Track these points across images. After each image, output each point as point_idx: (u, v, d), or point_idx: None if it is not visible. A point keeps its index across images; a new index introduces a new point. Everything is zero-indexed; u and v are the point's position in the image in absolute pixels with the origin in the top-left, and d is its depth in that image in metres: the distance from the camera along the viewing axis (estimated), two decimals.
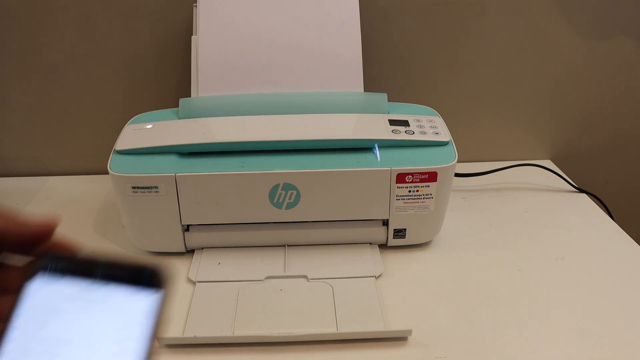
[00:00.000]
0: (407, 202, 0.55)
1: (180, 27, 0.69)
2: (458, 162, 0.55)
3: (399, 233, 0.58)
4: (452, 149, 0.56)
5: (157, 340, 0.25)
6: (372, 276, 0.54)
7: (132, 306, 0.26)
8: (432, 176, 0.54)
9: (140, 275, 0.26)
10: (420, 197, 0.55)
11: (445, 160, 0.54)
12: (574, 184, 0.72)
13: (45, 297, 0.27)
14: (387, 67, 0.72)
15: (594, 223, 0.65)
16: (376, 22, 0.69)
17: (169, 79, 0.71)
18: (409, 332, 0.47)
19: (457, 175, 0.68)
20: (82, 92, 0.72)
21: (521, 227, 0.64)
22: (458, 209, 0.67)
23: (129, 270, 0.27)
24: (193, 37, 0.62)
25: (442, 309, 0.51)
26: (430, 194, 0.55)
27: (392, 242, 0.58)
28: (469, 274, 0.56)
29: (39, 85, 0.71)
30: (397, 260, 0.58)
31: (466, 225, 0.64)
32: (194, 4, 0.64)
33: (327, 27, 0.62)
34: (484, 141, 0.78)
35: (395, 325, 0.49)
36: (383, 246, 0.59)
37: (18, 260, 0.27)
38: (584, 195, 0.71)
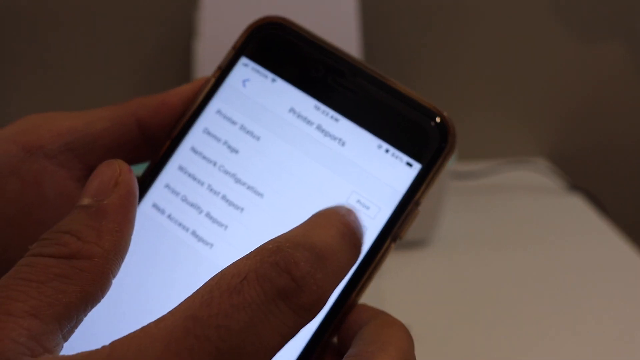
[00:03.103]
0: None
1: (180, 29, 0.69)
2: (455, 160, 0.56)
3: None
4: None
5: (394, 240, 0.16)
6: None
7: (378, 168, 0.15)
8: None
9: (414, 122, 0.15)
10: None
11: None
12: (571, 183, 0.73)
13: (236, 108, 0.17)
14: (386, 68, 0.72)
15: (590, 222, 0.66)
16: (375, 24, 0.70)
17: (169, 83, 0.71)
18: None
19: (455, 175, 0.69)
20: (82, 96, 0.72)
21: (518, 227, 0.64)
22: (456, 209, 0.67)
23: (398, 105, 0.16)
24: (194, 41, 0.63)
25: (440, 308, 0.52)
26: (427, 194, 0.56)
27: None
28: (467, 274, 0.56)
29: (41, 88, 0.72)
30: (395, 260, 0.58)
31: (464, 225, 0.64)
32: (196, 6, 0.65)
33: (327, 30, 0.63)
34: (481, 140, 0.79)
35: None
36: None
37: None
38: (581, 194, 0.71)
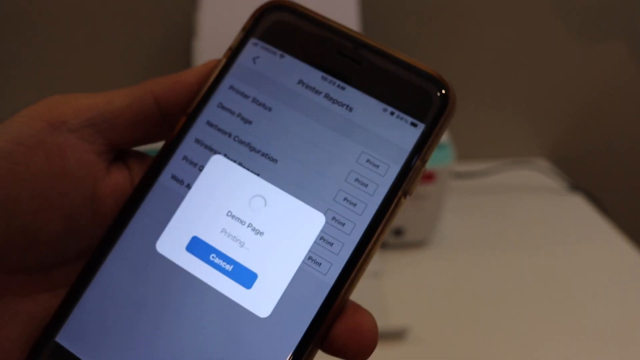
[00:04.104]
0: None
1: (180, 29, 0.69)
2: (456, 160, 0.56)
3: (398, 232, 0.58)
4: (450, 150, 0.57)
5: (404, 195, 0.17)
6: (371, 274, 0.55)
7: (385, 129, 0.17)
8: (429, 177, 0.55)
9: (415, 86, 0.17)
10: (419, 197, 0.56)
11: (443, 161, 0.55)
12: (572, 183, 0.73)
13: (248, 83, 0.18)
14: None
15: (591, 223, 0.66)
16: (375, 23, 0.70)
17: None
18: (406, 328, 0.48)
19: (455, 175, 0.69)
20: None
21: (519, 227, 0.65)
22: (456, 208, 0.68)
23: (399, 71, 0.17)
24: (193, 40, 0.63)
25: (440, 306, 0.52)
26: (429, 194, 0.56)
27: (391, 241, 0.59)
28: (466, 273, 0.57)
29: (40, 88, 0.72)
30: (395, 259, 0.58)
31: (464, 225, 0.65)
32: (195, 7, 0.65)
33: None
34: (482, 140, 0.79)
35: (393, 322, 0.50)
36: (382, 245, 0.60)
37: None
38: (581, 194, 0.72)
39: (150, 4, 0.68)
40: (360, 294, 0.54)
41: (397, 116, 0.17)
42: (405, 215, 0.57)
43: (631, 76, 0.76)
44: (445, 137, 0.57)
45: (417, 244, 0.60)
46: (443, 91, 0.17)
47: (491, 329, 0.50)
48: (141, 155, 0.20)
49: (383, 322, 0.49)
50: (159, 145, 0.19)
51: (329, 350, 0.17)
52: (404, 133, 0.17)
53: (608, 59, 0.75)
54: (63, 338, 0.17)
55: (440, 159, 0.55)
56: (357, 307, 0.18)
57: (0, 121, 0.18)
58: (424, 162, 0.17)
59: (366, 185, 0.17)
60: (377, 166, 0.17)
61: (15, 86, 0.72)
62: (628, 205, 0.84)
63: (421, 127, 0.17)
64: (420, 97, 0.17)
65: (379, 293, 0.53)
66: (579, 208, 0.69)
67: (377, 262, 0.57)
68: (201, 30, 0.62)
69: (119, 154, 0.19)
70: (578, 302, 0.53)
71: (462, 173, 0.72)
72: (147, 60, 0.71)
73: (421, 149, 0.17)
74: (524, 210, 0.68)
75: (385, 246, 0.60)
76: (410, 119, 0.17)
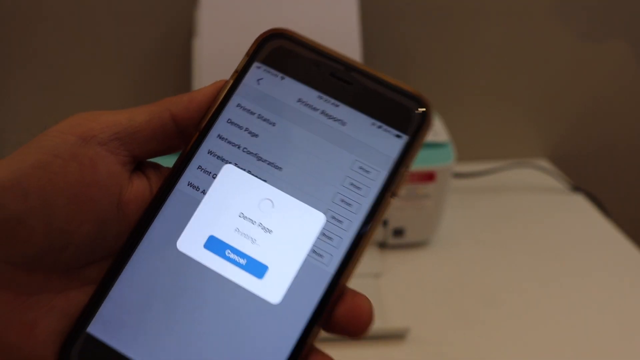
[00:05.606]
0: (406, 202, 0.57)
1: (180, 29, 0.70)
2: (457, 161, 0.57)
3: (398, 232, 0.59)
4: (451, 150, 0.57)
5: (392, 196, 0.20)
6: (372, 275, 0.55)
7: (374, 140, 0.20)
8: (430, 176, 0.55)
9: (398, 103, 0.20)
10: (419, 197, 0.56)
11: (444, 161, 0.55)
12: (572, 184, 0.73)
13: (253, 101, 0.21)
14: (387, 68, 0.73)
15: (591, 223, 0.67)
16: (376, 25, 0.70)
17: (169, 82, 0.72)
18: (407, 329, 0.49)
19: (455, 175, 0.69)
20: (83, 95, 0.73)
21: (519, 227, 0.65)
22: (456, 208, 0.68)
23: (384, 91, 0.20)
24: (194, 39, 0.63)
25: (440, 307, 0.53)
26: (429, 194, 0.56)
27: (391, 241, 0.59)
28: (467, 273, 0.57)
29: (41, 87, 0.73)
30: (396, 259, 0.59)
31: (464, 225, 0.65)
32: (195, 6, 0.65)
33: (327, 30, 0.63)
34: (483, 141, 0.79)
35: (394, 323, 0.50)
36: (382, 245, 0.60)
37: None
38: (582, 194, 0.72)
39: (151, 2, 0.68)
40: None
41: (384, 129, 0.20)
42: (405, 215, 0.57)
43: (632, 77, 0.77)
44: (445, 137, 0.57)
45: (417, 244, 0.61)
46: (422, 108, 0.20)
47: (491, 329, 0.50)
48: (157, 166, 0.22)
49: (383, 323, 0.49)
50: (172, 157, 0.22)
51: (331, 330, 0.20)
52: (390, 143, 0.20)
53: (609, 59, 0.75)
54: (94, 328, 0.19)
55: (441, 159, 0.55)
56: (355, 292, 0.20)
57: (2, 118, 0.19)
58: (408, 167, 0.20)
59: (359, 188, 0.20)
60: (368, 172, 0.20)
61: (16, 85, 0.73)
62: (628, 206, 0.84)
63: (404, 138, 0.20)
64: (403, 112, 0.20)
65: (379, 293, 0.53)
66: (580, 208, 0.69)
67: (378, 262, 0.57)
68: (201, 29, 0.63)
69: (137, 165, 0.22)
70: (578, 301, 0.53)
71: (462, 173, 0.72)
72: (148, 58, 0.71)
73: (405, 157, 0.20)
74: (524, 210, 0.68)
75: (385, 246, 0.60)
76: (395, 132, 0.20)
